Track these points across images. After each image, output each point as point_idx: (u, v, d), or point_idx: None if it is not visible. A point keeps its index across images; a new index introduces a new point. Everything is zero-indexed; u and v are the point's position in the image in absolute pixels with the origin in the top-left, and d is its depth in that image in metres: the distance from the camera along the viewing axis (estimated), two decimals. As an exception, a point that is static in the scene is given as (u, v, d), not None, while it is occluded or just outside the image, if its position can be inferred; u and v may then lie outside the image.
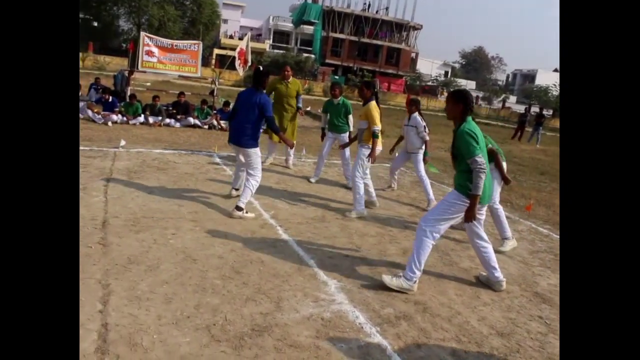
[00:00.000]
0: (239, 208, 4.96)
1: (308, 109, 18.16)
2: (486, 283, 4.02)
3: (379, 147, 5.55)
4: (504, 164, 5.07)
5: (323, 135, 7.24)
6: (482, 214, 4.06)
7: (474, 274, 4.23)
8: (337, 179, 7.46)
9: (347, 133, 6.99)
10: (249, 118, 5.03)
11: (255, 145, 5.12)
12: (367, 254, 4.39)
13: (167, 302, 3.05)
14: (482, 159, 3.48)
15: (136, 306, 2.96)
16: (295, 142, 7.49)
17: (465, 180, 3.59)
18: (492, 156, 4.71)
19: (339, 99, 6.95)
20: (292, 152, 7.98)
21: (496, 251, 4.54)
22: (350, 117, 7.01)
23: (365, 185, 5.86)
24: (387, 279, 3.65)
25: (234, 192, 5.65)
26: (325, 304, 3.31)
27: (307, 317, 3.10)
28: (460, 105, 3.60)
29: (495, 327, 3.32)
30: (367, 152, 5.59)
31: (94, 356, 2.42)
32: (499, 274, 3.93)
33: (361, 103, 5.73)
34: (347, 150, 6.92)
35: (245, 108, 5.06)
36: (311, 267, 3.92)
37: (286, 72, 7.74)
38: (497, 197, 5.05)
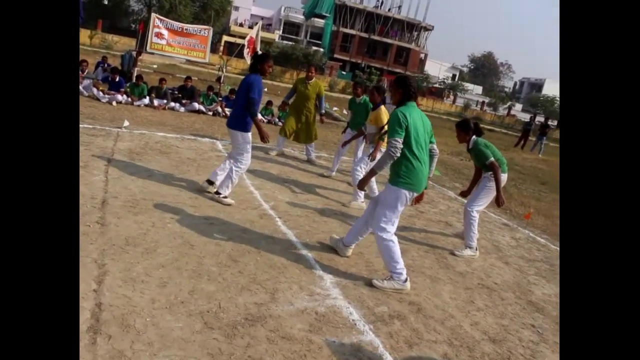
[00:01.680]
0: (217, 192, 4.93)
1: (335, 109, 18.17)
2: (334, 246, 4.26)
3: (382, 148, 5.63)
4: (505, 175, 4.88)
5: (345, 129, 7.42)
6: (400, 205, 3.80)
7: (470, 278, 4.23)
8: (339, 174, 7.44)
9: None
10: (240, 100, 4.87)
11: (243, 129, 4.85)
12: (364, 250, 4.39)
13: (162, 286, 3.05)
14: (398, 142, 3.50)
15: (131, 288, 2.95)
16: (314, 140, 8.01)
17: (392, 171, 3.71)
18: (492, 168, 4.69)
19: (361, 97, 7.02)
20: (312, 147, 8.06)
21: (451, 252, 4.89)
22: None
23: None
24: (377, 282, 3.69)
25: (206, 186, 5.16)
26: (320, 299, 3.31)
27: (302, 310, 3.10)
28: (400, 90, 3.72)
29: (488, 332, 3.32)
30: (371, 149, 5.71)
31: (86, 335, 2.41)
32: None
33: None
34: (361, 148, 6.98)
35: (239, 91, 4.93)
36: (308, 261, 3.91)
37: (310, 73, 7.70)
38: (477, 205, 4.85)
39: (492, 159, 4.68)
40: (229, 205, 4.89)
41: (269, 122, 11.92)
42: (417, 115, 3.66)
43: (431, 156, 3.93)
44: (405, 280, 3.67)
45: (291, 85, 8.53)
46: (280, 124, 11.22)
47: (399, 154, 3.53)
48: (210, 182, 5.14)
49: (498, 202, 4.67)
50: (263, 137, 4.94)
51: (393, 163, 3.62)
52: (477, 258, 4.79)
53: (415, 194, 3.73)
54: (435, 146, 3.97)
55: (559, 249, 5.73)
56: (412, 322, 3.25)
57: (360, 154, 6.90)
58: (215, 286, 3.19)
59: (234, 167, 4.91)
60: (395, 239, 3.68)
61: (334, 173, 7.29)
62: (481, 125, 5.00)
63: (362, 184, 3.83)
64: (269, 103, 12.36)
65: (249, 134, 4.92)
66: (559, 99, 49.57)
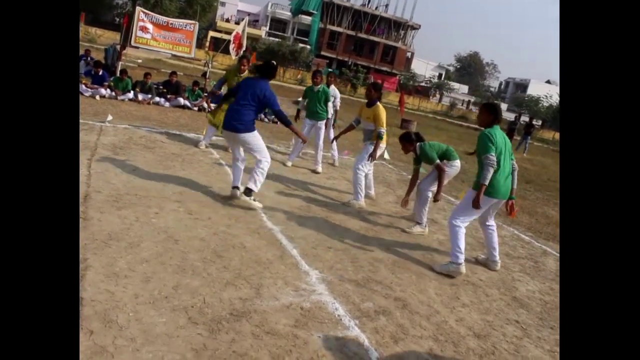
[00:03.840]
0: (248, 192, 4.79)
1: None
2: (483, 263, 4.60)
3: (383, 145, 5.84)
4: (458, 162, 5.35)
5: (297, 117, 7.54)
6: None
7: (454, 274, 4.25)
8: (325, 171, 7.42)
9: (325, 120, 7.28)
10: (250, 103, 4.75)
11: (252, 130, 4.81)
12: (350, 247, 4.38)
13: (145, 281, 3.00)
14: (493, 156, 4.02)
15: (113, 283, 2.90)
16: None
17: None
18: (438, 169, 5.09)
19: (320, 86, 7.18)
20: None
21: (402, 230, 5.13)
22: (330, 104, 7.23)
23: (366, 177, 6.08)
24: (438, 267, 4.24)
25: (237, 193, 4.95)
26: (306, 294, 3.29)
27: (287, 305, 3.08)
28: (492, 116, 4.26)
29: (473, 328, 3.34)
30: (371, 149, 5.71)
31: (67, 330, 2.36)
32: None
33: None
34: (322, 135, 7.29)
35: (246, 94, 4.77)
36: (293, 257, 3.89)
37: (242, 66, 7.16)
38: (430, 185, 5.21)
39: (437, 161, 5.08)
40: (258, 207, 4.86)
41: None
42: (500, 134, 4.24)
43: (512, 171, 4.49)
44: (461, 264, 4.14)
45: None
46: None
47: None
48: (237, 188, 4.99)
49: (436, 197, 5.01)
50: (304, 140, 5.63)
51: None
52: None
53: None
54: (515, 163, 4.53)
55: (543, 246, 5.80)
56: (398, 317, 3.25)
57: (321, 143, 7.26)
58: (200, 281, 3.15)
59: (261, 164, 4.85)
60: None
61: (291, 162, 7.37)
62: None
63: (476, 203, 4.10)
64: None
65: (257, 131, 4.91)
66: (543, 100, 50.16)
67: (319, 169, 7.30)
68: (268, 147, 5.20)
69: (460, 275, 4.16)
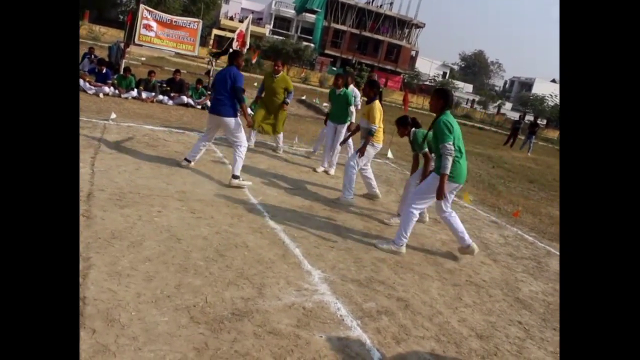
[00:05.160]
0: (235, 176, 5.39)
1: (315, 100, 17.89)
2: (463, 254, 4.64)
3: (379, 145, 5.90)
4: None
5: (326, 120, 7.49)
6: None
7: (458, 275, 4.24)
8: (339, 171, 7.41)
9: (346, 124, 7.18)
10: (225, 89, 5.38)
11: (234, 115, 5.43)
12: (352, 246, 4.37)
13: (148, 280, 3.00)
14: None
15: (116, 282, 2.91)
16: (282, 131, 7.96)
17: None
18: (425, 157, 5.17)
19: (342, 89, 7.08)
20: (281, 138, 7.96)
21: (381, 221, 5.30)
22: (351, 108, 7.13)
23: (367, 178, 6.17)
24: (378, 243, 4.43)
25: (184, 162, 5.77)
26: (308, 294, 3.29)
27: (289, 305, 3.08)
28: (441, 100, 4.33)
29: (475, 329, 3.33)
30: (369, 147, 5.76)
31: (69, 329, 2.37)
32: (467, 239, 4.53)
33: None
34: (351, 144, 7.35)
35: (220, 82, 5.42)
36: (296, 256, 3.89)
37: (276, 67, 7.55)
38: (417, 179, 5.24)
39: (426, 150, 5.13)
40: (248, 185, 5.51)
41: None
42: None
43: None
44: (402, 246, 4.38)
45: None
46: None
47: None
48: (188, 160, 5.79)
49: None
50: (249, 123, 5.90)
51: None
52: (466, 255, 4.81)
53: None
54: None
55: (547, 247, 5.78)
56: (400, 318, 3.24)
57: (339, 146, 7.18)
58: (202, 280, 3.15)
59: (239, 149, 5.44)
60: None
61: (322, 168, 7.31)
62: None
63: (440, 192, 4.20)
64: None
65: (238, 118, 5.55)
66: (548, 99, 50.01)
67: (332, 171, 7.25)
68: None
69: (400, 254, 4.39)
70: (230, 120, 5.42)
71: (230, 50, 5.78)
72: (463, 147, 4.33)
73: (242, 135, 5.50)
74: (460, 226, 4.54)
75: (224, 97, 5.40)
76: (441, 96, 4.30)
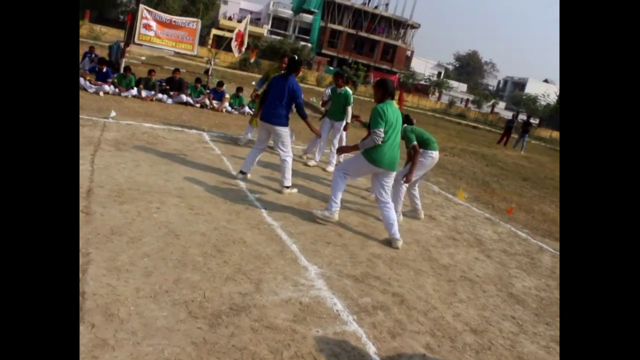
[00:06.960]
0: (287, 187, 5.55)
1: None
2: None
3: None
4: (436, 153, 5.55)
5: (322, 117, 7.67)
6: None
7: (453, 270, 4.30)
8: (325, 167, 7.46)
9: (343, 122, 7.34)
10: (280, 99, 5.34)
11: (286, 124, 5.45)
12: (348, 242, 4.42)
13: (146, 275, 3.05)
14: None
15: (115, 277, 2.95)
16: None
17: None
18: (414, 150, 5.22)
19: (342, 89, 7.22)
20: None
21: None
22: (349, 108, 7.21)
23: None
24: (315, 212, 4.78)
25: (240, 175, 5.75)
26: (305, 289, 3.33)
27: (286, 300, 3.12)
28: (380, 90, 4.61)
29: (469, 324, 3.38)
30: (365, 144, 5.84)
31: (70, 322, 2.40)
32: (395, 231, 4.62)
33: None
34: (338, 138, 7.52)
35: (276, 91, 5.38)
36: (293, 252, 3.93)
37: (283, 64, 7.51)
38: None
39: (414, 143, 5.23)
40: (294, 192, 5.64)
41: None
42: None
43: None
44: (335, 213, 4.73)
45: None
46: (250, 112, 11.24)
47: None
48: (243, 173, 5.78)
49: (407, 177, 5.10)
50: (318, 134, 5.91)
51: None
52: (460, 251, 4.87)
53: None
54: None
55: (539, 243, 5.83)
56: (396, 313, 3.29)
57: (337, 142, 7.47)
58: (200, 276, 3.19)
59: (286, 158, 5.50)
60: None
61: (314, 162, 7.54)
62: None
63: (343, 150, 4.93)
64: (240, 89, 12.17)
65: (289, 128, 5.59)
66: (540, 99, 50.08)
67: (330, 168, 7.36)
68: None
69: (333, 220, 4.77)
70: (282, 130, 5.42)
71: (295, 57, 5.66)
72: (395, 138, 4.54)
73: (289, 147, 5.52)
74: (391, 218, 4.60)
75: (278, 106, 5.36)
76: (380, 86, 4.60)
